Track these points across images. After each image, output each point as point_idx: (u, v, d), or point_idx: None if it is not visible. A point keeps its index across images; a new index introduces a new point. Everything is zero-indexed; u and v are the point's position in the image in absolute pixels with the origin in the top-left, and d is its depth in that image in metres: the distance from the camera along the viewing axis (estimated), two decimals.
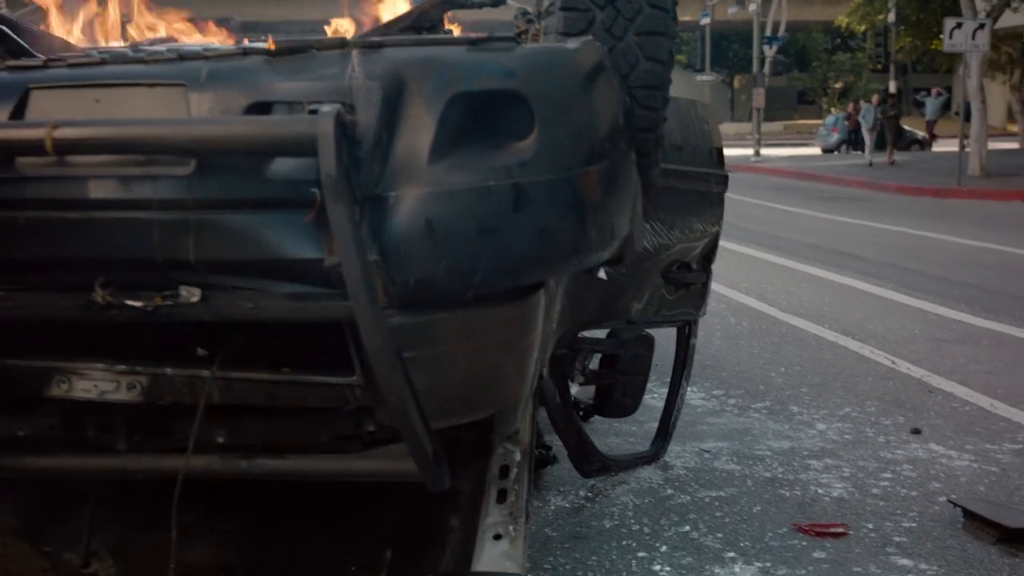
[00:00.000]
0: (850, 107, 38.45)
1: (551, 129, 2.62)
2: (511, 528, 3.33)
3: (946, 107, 34.19)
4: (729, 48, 58.65)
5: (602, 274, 3.87)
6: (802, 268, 11.60)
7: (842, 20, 36.55)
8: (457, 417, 2.87)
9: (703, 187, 4.82)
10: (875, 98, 30.34)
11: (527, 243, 2.63)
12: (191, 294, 2.54)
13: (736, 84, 60.45)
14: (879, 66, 39.91)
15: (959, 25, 21.74)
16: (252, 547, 3.57)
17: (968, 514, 4.34)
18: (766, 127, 47.82)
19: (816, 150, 38.84)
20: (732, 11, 45.78)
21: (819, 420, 5.87)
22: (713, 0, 47.62)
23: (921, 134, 36.93)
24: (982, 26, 21.71)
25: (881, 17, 33.77)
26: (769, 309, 9.24)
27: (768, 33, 42.78)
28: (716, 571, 3.93)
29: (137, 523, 3.55)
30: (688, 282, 4.88)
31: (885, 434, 5.62)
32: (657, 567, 3.95)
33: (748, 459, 5.20)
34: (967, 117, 23.64)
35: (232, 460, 2.90)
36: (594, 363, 4.77)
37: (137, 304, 2.53)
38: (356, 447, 2.95)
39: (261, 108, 2.60)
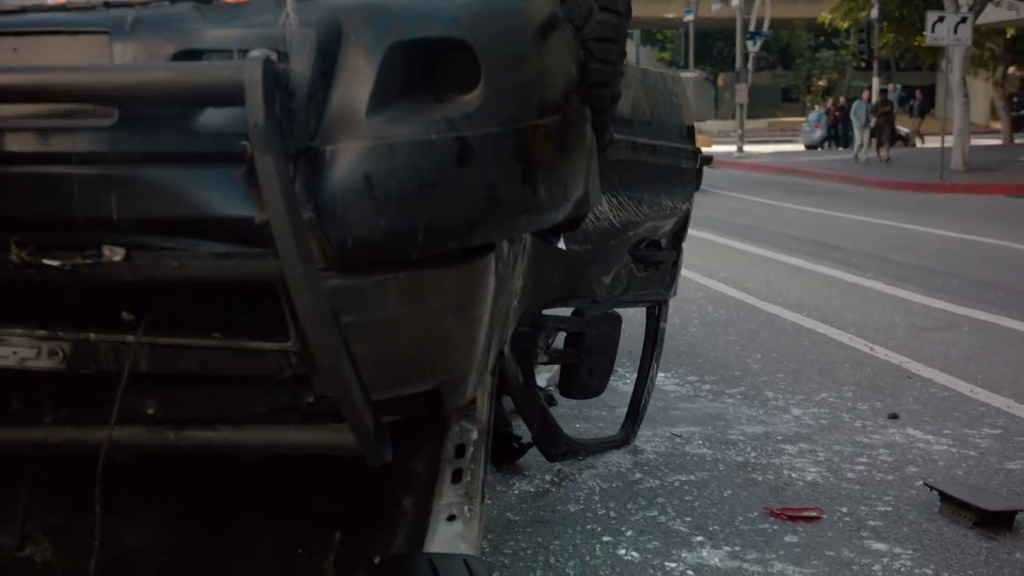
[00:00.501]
0: (829, 103, 38.38)
1: (498, 80, 2.47)
2: (466, 509, 3.19)
3: (901, 103, 33.80)
4: (713, 46, 58.58)
5: (561, 244, 3.72)
6: (782, 258, 11.48)
7: (825, 17, 36.41)
8: (400, 387, 2.72)
9: (673, 162, 4.68)
10: (866, 94, 30.04)
11: (472, 201, 2.48)
12: (114, 253, 2.38)
13: (720, 82, 60.40)
14: (863, 64, 39.77)
15: (941, 19, 21.67)
16: (197, 530, 3.41)
17: (945, 498, 4.20)
18: (750, 124, 47.75)
19: (800, 147, 38.79)
20: (716, 7, 45.72)
21: (794, 405, 5.73)
22: None
23: (905, 130, 36.88)
24: (964, 20, 21.64)
25: (864, 13, 33.66)
26: (747, 298, 9.10)
27: (752, 29, 42.70)
28: (683, 555, 3.78)
29: (75, 506, 3.39)
30: (657, 260, 4.73)
31: (862, 419, 5.48)
32: (622, 551, 3.80)
33: (720, 443, 5.06)
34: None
35: (160, 432, 2.73)
36: (559, 343, 4.62)
37: (55, 263, 2.37)
38: (295, 420, 2.79)
39: (189, 57, 2.43)
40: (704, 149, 19.58)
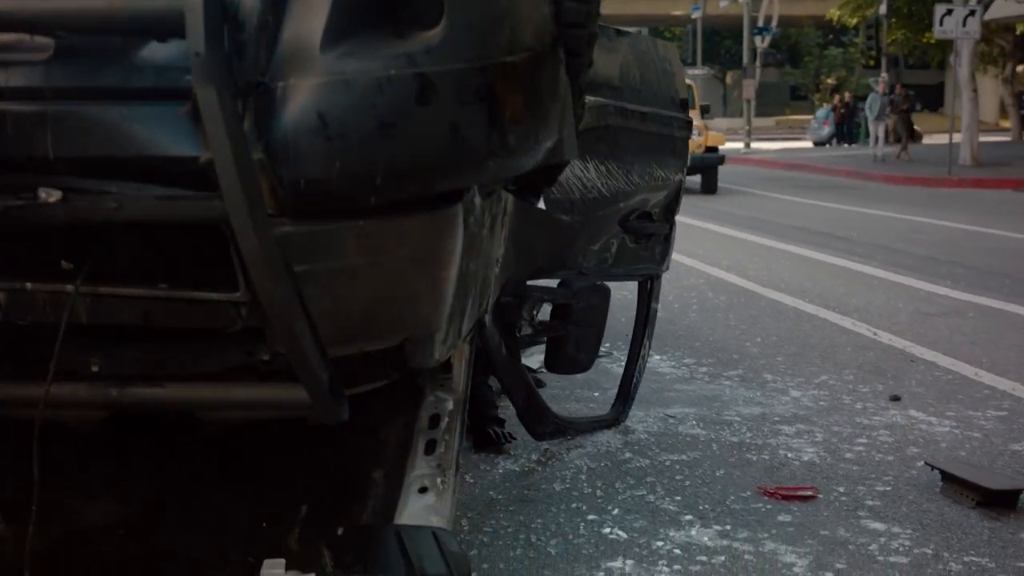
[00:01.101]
0: (836, 100, 38.12)
1: (462, 14, 2.30)
2: (439, 481, 3.02)
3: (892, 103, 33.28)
4: (721, 44, 58.28)
5: (542, 204, 3.55)
6: (784, 247, 11.30)
7: (833, 13, 36.21)
8: (358, 342, 2.55)
9: (664, 131, 4.51)
10: (882, 86, 29.64)
11: (434, 142, 2.31)
12: (50, 195, 2.22)
13: (728, 80, 60.10)
14: (871, 61, 39.48)
15: (950, 12, 21.42)
16: (157, 504, 3.25)
17: (947, 477, 4.03)
18: (758, 122, 47.43)
19: (807, 144, 38.52)
20: (723, 4, 45.40)
21: (793, 387, 5.56)
22: None
23: (915, 128, 36.59)
24: (972, 13, 21.40)
25: (872, 10, 33.44)
26: (749, 284, 8.93)
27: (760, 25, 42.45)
28: (671, 534, 3.62)
29: (32, 479, 3.23)
30: (649, 233, 4.57)
31: (862, 401, 5.31)
32: (607, 530, 3.64)
33: (715, 424, 4.90)
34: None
35: (100, 388, 2.56)
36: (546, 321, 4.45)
37: None
38: (251, 379, 2.62)
39: None
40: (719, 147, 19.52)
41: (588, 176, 4.09)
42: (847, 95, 37.39)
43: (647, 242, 4.63)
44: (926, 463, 4.21)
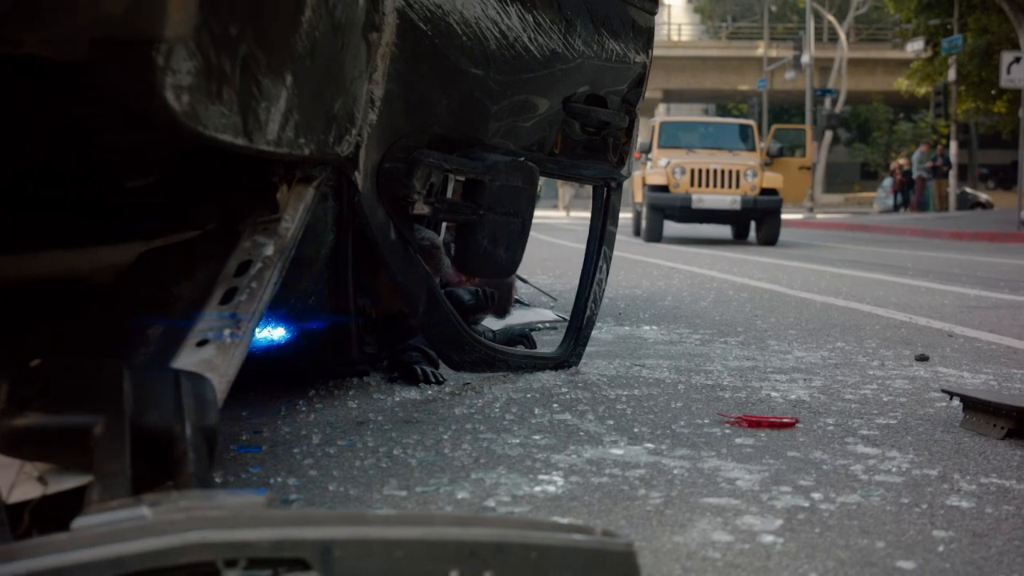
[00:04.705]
0: (894, 166, 36.82)
1: None
2: (227, 333, 2.21)
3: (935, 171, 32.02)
4: (790, 120, 57.39)
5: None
6: (826, 269, 10.30)
7: (901, 83, 35.29)
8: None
9: None
10: (924, 147, 28.42)
11: None
12: None
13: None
14: (944, 129, 38.18)
15: (1017, 60, 20.42)
16: None
17: (970, 405, 3.05)
18: (826, 198, 46.44)
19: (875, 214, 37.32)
20: (789, 76, 44.74)
21: (801, 350, 4.59)
22: (771, 66, 46.65)
23: (984, 196, 35.35)
24: None
25: (941, 77, 32.37)
26: (779, 287, 7.96)
27: (828, 107, 41.59)
28: (581, 449, 2.67)
29: None
30: (601, 121, 3.67)
31: (881, 359, 4.33)
32: (498, 447, 2.70)
33: (692, 371, 3.94)
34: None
35: None
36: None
37: None
38: None
39: None
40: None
41: (508, 23, 3.23)
42: (905, 162, 36.15)
43: (600, 135, 3.73)
44: (943, 391, 3.23)
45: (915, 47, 33.24)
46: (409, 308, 3.27)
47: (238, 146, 2.16)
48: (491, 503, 2.21)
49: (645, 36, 3.85)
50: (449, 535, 1.40)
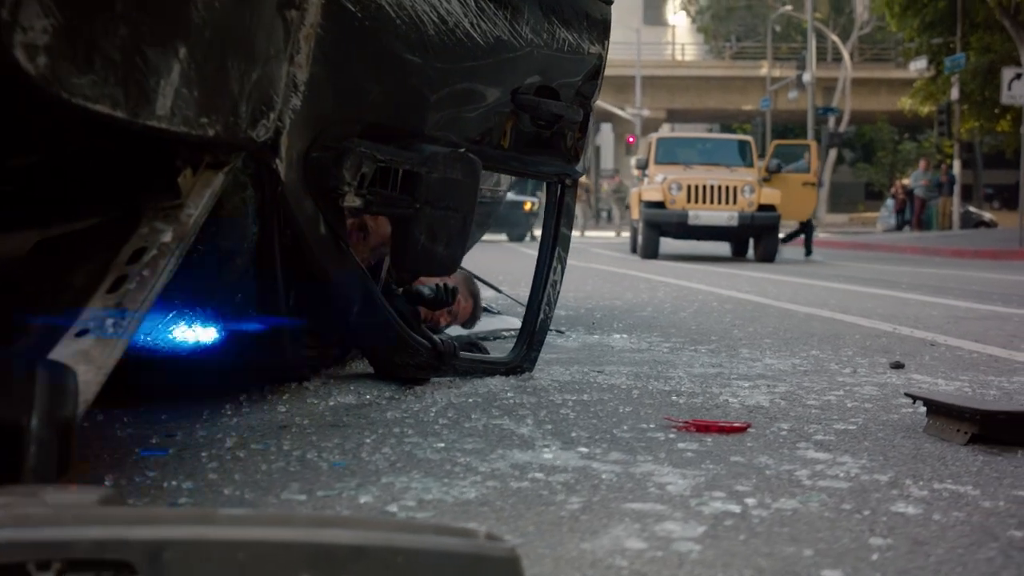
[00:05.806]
0: (895, 186, 36.63)
1: None
2: (109, 323, 2.03)
3: (939, 187, 31.89)
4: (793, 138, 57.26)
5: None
6: (818, 283, 10.11)
7: (905, 102, 35.12)
8: None
9: None
10: (923, 163, 28.20)
11: None
12: None
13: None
14: (949, 149, 37.98)
15: (1019, 76, 20.26)
16: None
17: (934, 409, 2.87)
18: (831, 218, 46.28)
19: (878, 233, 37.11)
20: (792, 96, 44.70)
21: (772, 357, 4.41)
22: (774, 86, 46.58)
23: (988, 216, 35.14)
24: None
25: (945, 96, 32.20)
26: (764, 299, 7.78)
27: (832, 126, 41.47)
28: (512, 454, 2.49)
29: None
30: (553, 114, 3.50)
31: (854, 367, 4.14)
32: (420, 451, 2.52)
33: (651, 378, 3.76)
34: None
35: None
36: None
37: None
38: None
39: None
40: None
41: (448, 7, 3.06)
42: (907, 180, 35.99)
43: (552, 129, 3.56)
44: (906, 394, 3.05)
45: (918, 66, 33.08)
46: (339, 307, 3.09)
47: (119, 119, 1.99)
48: (393, 508, 2.03)
49: (600, 27, 3.68)
50: (302, 537, 1.25)
